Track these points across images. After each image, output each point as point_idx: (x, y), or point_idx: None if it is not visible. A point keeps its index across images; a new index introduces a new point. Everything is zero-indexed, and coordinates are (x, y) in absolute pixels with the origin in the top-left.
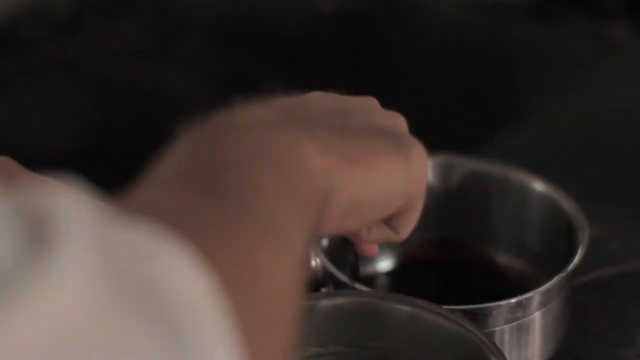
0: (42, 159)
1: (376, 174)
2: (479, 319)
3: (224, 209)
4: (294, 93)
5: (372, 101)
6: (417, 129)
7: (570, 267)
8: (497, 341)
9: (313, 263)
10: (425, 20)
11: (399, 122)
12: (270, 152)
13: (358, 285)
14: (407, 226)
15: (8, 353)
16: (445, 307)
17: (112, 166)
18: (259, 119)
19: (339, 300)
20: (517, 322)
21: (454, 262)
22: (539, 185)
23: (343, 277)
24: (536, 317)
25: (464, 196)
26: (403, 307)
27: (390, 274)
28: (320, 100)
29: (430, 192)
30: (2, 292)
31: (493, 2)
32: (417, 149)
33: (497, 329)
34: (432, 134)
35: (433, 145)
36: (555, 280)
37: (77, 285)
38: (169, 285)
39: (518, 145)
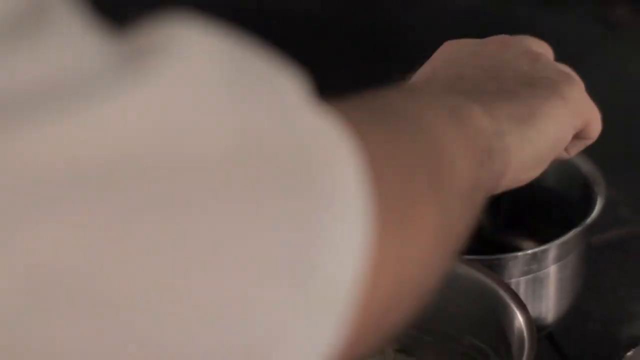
0: None
1: (545, 125)
2: (495, 270)
3: (394, 125)
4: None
5: (515, 43)
6: None
7: (587, 222)
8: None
9: None
10: (431, 4)
11: (544, 60)
12: (445, 106)
13: None
14: (594, 130)
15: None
16: (463, 256)
17: None
18: (423, 90)
19: None
20: (533, 274)
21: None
22: None
23: None
24: (552, 271)
25: None
26: None
27: None
28: (466, 64)
29: None
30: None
31: None
32: (569, 84)
33: (513, 280)
34: None
35: None
36: (571, 234)
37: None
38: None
39: None
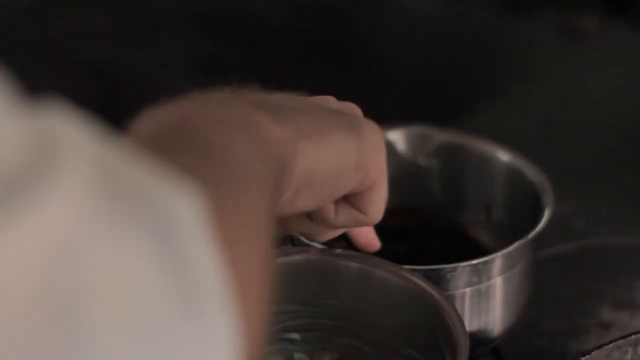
0: None
1: (328, 149)
2: (439, 280)
3: (188, 158)
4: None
5: (328, 97)
6: (387, 110)
7: (533, 233)
8: (457, 305)
9: None
10: (398, 11)
11: (352, 107)
12: (230, 117)
13: (315, 244)
14: (374, 205)
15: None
16: (404, 266)
17: None
18: (215, 97)
19: (294, 258)
20: (478, 285)
21: (421, 229)
22: (505, 156)
23: (302, 237)
24: (497, 283)
25: (435, 167)
26: (358, 265)
27: None
28: (274, 94)
29: (402, 162)
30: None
31: None
32: (370, 126)
33: (458, 292)
34: (399, 114)
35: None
36: (516, 245)
37: (76, 198)
38: (166, 204)
39: (486, 128)
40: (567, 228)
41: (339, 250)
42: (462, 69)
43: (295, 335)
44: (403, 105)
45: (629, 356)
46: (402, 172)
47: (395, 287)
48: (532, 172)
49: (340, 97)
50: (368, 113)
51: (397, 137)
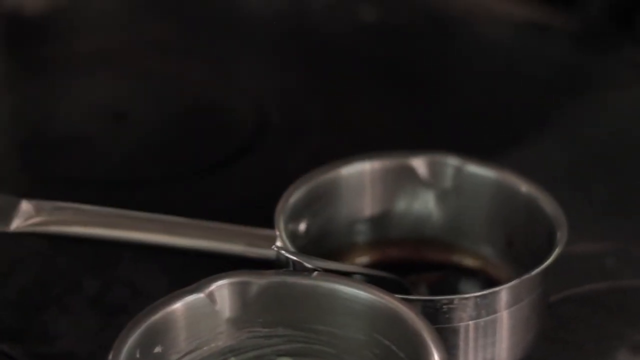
0: (63, 143)
1: None
2: (442, 312)
3: None
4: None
5: None
6: (441, 136)
7: (542, 266)
8: (461, 338)
9: (276, 246)
10: (469, 36)
11: None
12: None
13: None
14: None
15: None
16: (407, 296)
17: (130, 154)
18: None
19: (292, 280)
20: (483, 319)
21: (434, 261)
22: (525, 188)
23: (307, 264)
24: (504, 317)
25: (452, 196)
26: (354, 292)
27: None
28: None
29: (419, 191)
30: None
31: (541, 24)
32: None
33: (462, 324)
34: (453, 142)
35: (451, 150)
36: (524, 278)
37: None
38: None
39: (532, 159)
40: (598, 268)
41: (338, 276)
42: (522, 100)
43: None
44: (454, 131)
45: None
46: (421, 200)
47: (387, 317)
48: (550, 207)
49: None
50: (418, 137)
51: (419, 164)
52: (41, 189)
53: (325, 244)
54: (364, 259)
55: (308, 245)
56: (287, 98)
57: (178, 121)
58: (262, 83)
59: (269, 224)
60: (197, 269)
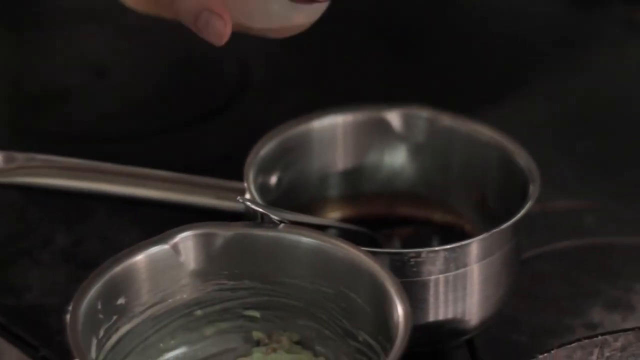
0: (42, 98)
1: None
2: (410, 265)
3: None
4: None
5: None
6: (426, 89)
7: (513, 219)
8: (430, 292)
9: (242, 198)
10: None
11: None
12: None
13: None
14: None
15: None
16: (373, 249)
17: (109, 109)
18: None
19: (258, 233)
20: (453, 272)
21: (407, 216)
22: (498, 142)
23: (274, 217)
24: (474, 270)
25: (425, 150)
26: (320, 244)
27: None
28: None
29: (392, 144)
30: None
31: None
32: None
33: (431, 278)
34: (439, 94)
35: (437, 104)
36: (495, 231)
37: None
38: None
39: (513, 116)
40: (577, 225)
41: (303, 228)
42: (506, 58)
43: (255, 313)
44: (435, 88)
45: (593, 357)
46: (394, 154)
47: (352, 270)
48: (523, 160)
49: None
50: (398, 93)
51: (392, 117)
52: (18, 142)
53: (297, 198)
54: (336, 214)
55: (279, 198)
56: (270, 55)
57: (159, 77)
58: (246, 40)
59: (242, 177)
60: (170, 221)
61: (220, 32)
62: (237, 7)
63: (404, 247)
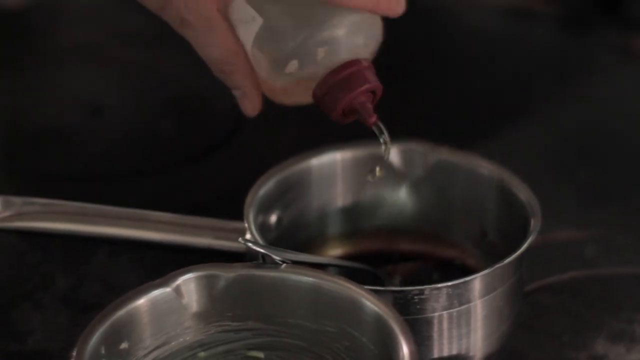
0: (38, 137)
1: None
2: (414, 302)
3: None
4: None
5: None
6: (423, 123)
7: (515, 255)
8: (434, 329)
9: (244, 239)
10: (451, 22)
11: None
12: None
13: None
14: None
15: None
16: (377, 287)
17: (105, 148)
18: None
19: (260, 274)
20: (457, 309)
21: (408, 252)
22: (497, 175)
23: (276, 257)
24: (477, 306)
25: (426, 185)
26: (322, 284)
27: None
28: None
29: (391, 180)
30: None
31: (525, 10)
32: None
33: (435, 315)
34: (436, 128)
35: (436, 139)
36: (497, 267)
37: None
38: None
39: (512, 147)
40: (578, 257)
41: (305, 267)
42: (504, 86)
43: (259, 354)
44: (433, 119)
45: None
46: (393, 190)
47: (356, 309)
48: (523, 194)
49: (378, 111)
50: (394, 127)
51: (392, 152)
52: (15, 184)
53: (297, 236)
54: (337, 251)
55: (280, 237)
56: None
57: (155, 115)
58: None
59: (242, 217)
60: (171, 263)
61: (248, 114)
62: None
63: (405, 283)
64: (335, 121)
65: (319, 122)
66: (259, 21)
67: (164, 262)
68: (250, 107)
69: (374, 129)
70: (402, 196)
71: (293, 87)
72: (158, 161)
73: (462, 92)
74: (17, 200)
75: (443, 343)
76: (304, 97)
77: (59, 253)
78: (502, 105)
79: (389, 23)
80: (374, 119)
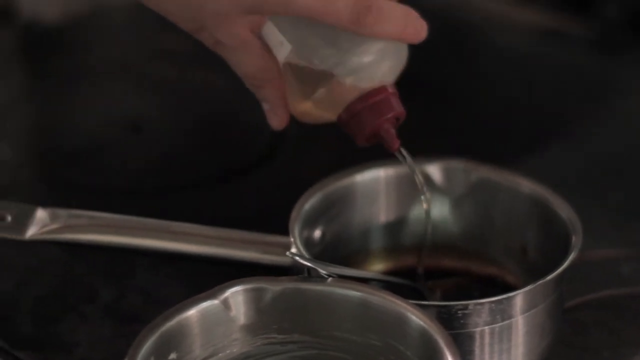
0: (81, 153)
1: None
2: (457, 317)
3: None
4: None
5: None
6: (463, 141)
7: (557, 271)
8: (476, 344)
9: (291, 252)
10: (485, 43)
11: None
12: None
13: (332, 275)
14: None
15: None
16: (421, 302)
17: (146, 164)
18: None
19: (307, 287)
20: (498, 324)
21: (449, 268)
22: (539, 194)
23: (322, 271)
24: (519, 322)
25: (467, 202)
26: (368, 298)
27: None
28: None
29: (433, 197)
30: None
31: (557, 31)
32: None
33: (477, 330)
34: (475, 146)
35: (475, 157)
36: (539, 283)
37: None
38: None
39: (548, 166)
40: (615, 274)
41: (351, 281)
42: (538, 107)
43: None
44: (470, 139)
45: None
46: (435, 207)
47: (401, 323)
48: (564, 212)
49: (409, 127)
50: (433, 144)
51: (433, 170)
52: (58, 198)
53: (340, 251)
54: (379, 266)
55: (323, 252)
56: None
57: (194, 131)
58: None
59: (285, 231)
60: (211, 276)
61: (274, 127)
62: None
63: (446, 298)
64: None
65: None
66: (287, 46)
67: (204, 274)
68: (277, 121)
69: (397, 154)
70: (443, 213)
71: (318, 110)
72: (197, 177)
73: (498, 112)
74: (63, 212)
75: (484, 358)
76: (327, 118)
77: (103, 265)
78: (538, 125)
79: (423, 45)
80: (397, 145)
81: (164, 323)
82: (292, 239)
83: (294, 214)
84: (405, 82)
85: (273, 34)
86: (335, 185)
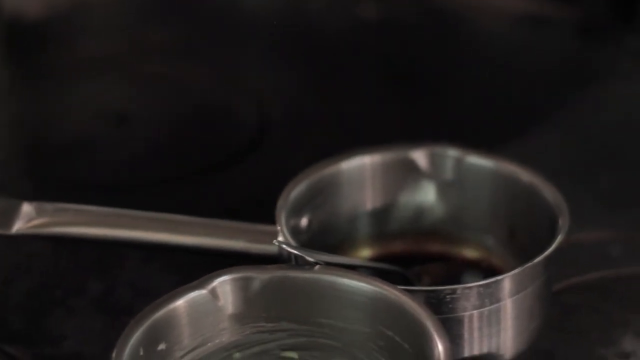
0: (66, 147)
1: None
2: (445, 302)
3: None
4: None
5: None
6: (441, 130)
7: (544, 254)
8: (465, 328)
9: (278, 241)
10: (469, 30)
11: None
12: None
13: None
14: None
15: None
16: (409, 287)
17: (132, 156)
18: None
19: (294, 275)
20: (487, 308)
21: (436, 253)
22: (525, 177)
23: (309, 258)
24: (507, 305)
25: (453, 188)
26: (356, 284)
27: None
28: None
29: (419, 183)
30: None
31: (542, 17)
32: None
33: (466, 314)
34: (460, 132)
35: (461, 142)
36: (527, 266)
37: None
38: None
39: (535, 151)
40: (603, 257)
41: (338, 269)
42: (523, 92)
43: (293, 354)
44: (454, 124)
45: None
46: (422, 193)
47: (389, 309)
48: (551, 195)
49: (397, 113)
50: (419, 131)
51: (419, 156)
52: (44, 193)
53: (327, 238)
54: (366, 253)
55: (310, 239)
56: (288, 97)
57: (179, 124)
58: (263, 83)
59: (272, 220)
60: (201, 267)
61: None
62: None
63: (433, 283)
64: None
65: (342, 126)
66: None
67: (193, 266)
68: None
69: None
70: (429, 198)
71: None
72: (184, 169)
73: (483, 97)
74: (49, 206)
75: (474, 342)
76: None
77: (91, 258)
78: (523, 110)
79: (407, 31)
80: None
81: (151, 314)
82: (278, 228)
83: (280, 202)
84: (389, 71)
85: None
86: (321, 173)
